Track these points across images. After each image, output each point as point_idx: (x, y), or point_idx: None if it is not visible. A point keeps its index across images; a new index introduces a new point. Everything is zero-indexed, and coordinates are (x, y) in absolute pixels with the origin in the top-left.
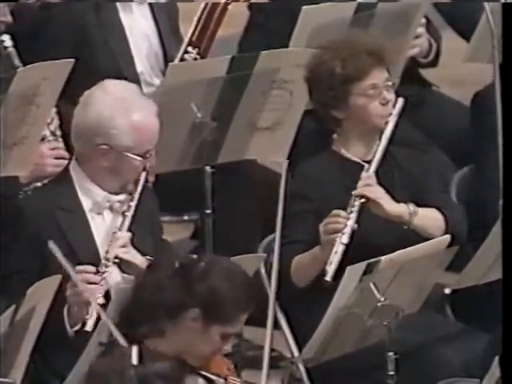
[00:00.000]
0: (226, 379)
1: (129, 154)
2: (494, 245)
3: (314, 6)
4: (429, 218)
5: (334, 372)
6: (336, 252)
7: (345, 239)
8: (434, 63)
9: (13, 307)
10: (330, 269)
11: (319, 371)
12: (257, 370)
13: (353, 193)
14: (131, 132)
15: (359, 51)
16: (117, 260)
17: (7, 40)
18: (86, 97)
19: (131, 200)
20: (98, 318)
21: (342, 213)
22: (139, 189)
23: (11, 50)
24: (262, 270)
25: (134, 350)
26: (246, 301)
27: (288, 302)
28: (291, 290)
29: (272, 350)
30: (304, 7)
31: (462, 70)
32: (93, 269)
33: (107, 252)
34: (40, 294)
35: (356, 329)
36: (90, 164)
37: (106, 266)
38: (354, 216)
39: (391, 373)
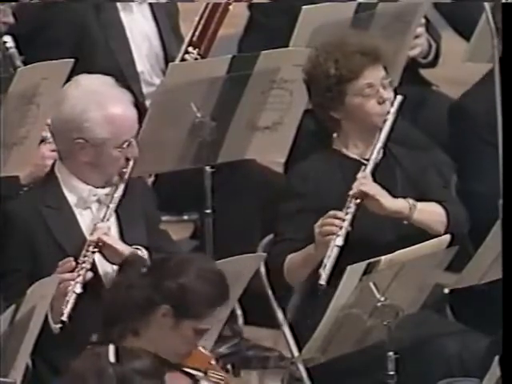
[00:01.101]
0: (206, 373)
1: (105, 147)
2: (493, 245)
3: (314, 5)
4: (429, 212)
5: (334, 372)
6: (329, 256)
7: (339, 241)
8: (433, 63)
9: (13, 307)
10: (324, 272)
11: (319, 371)
12: (256, 369)
13: (349, 193)
14: (105, 124)
15: (352, 52)
16: (96, 249)
17: (9, 41)
18: (61, 93)
19: (115, 192)
20: (75, 307)
21: (339, 214)
22: (124, 180)
23: (13, 50)
24: (262, 270)
25: (111, 348)
26: (217, 296)
27: (288, 301)
28: (291, 289)
29: (272, 349)
30: (304, 7)
31: (462, 70)
32: (70, 259)
33: (88, 243)
34: (39, 294)
35: (356, 329)
36: (72, 160)
37: (85, 256)
38: (349, 217)
39: (391, 372)
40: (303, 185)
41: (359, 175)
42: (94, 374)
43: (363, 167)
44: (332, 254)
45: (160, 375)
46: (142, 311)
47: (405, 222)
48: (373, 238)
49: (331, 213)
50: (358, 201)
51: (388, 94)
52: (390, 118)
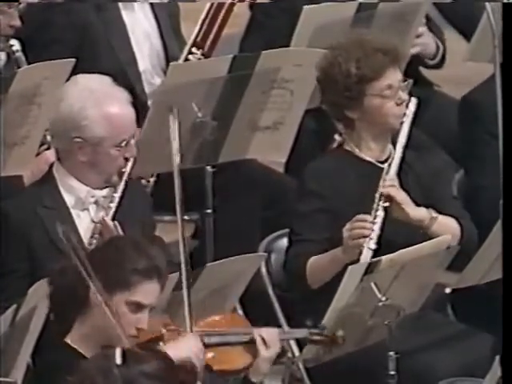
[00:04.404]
0: (163, 338)
1: (103, 146)
2: (494, 245)
3: (315, 5)
4: (447, 225)
5: (334, 372)
6: (364, 259)
7: (372, 245)
8: (439, 65)
9: (14, 307)
10: None
11: (319, 371)
12: None
13: (380, 191)
14: (103, 122)
15: (373, 51)
16: None
17: (16, 44)
18: (59, 92)
19: (115, 192)
20: None
21: (368, 217)
22: (123, 180)
23: (19, 54)
24: (263, 270)
25: (118, 350)
26: (149, 268)
27: (289, 301)
28: (292, 290)
29: None
30: (305, 7)
31: (463, 70)
32: None
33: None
34: (41, 294)
35: (357, 328)
36: (70, 160)
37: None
38: (379, 220)
39: (392, 372)
40: (319, 185)
41: (386, 177)
42: (100, 374)
43: (386, 169)
44: (367, 257)
45: (167, 378)
46: (79, 294)
47: (421, 231)
48: (393, 242)
49: (360, 216)
50: (386, 204)
51: (405, 95)
52: (408, 121)
